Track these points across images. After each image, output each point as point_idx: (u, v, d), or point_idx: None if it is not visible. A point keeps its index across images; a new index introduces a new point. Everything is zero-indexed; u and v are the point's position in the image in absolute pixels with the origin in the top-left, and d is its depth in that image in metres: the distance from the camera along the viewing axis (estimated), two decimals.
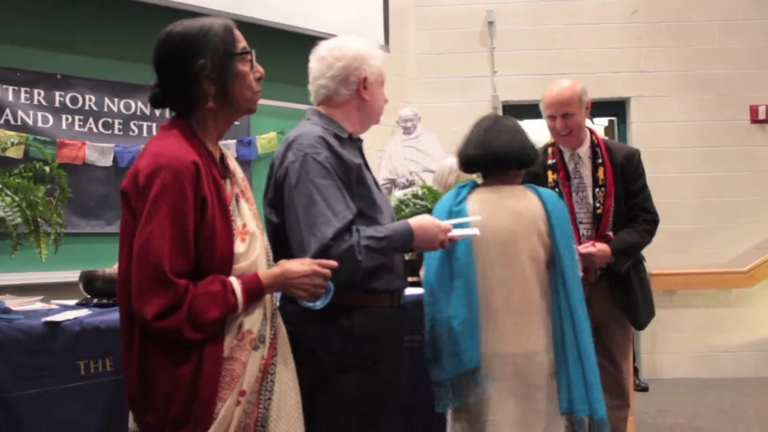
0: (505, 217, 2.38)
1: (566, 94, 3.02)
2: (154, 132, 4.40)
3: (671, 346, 6.00)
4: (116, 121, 4.36)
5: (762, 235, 6.07)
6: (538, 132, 4.30)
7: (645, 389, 5.51)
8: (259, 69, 1.82)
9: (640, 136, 6.19)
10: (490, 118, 2.63)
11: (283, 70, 4.13)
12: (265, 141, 4.90)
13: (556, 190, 3.01)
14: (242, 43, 1.79)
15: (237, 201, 1.76)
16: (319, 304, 1.83)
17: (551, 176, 3.06)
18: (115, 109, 4.36)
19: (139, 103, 4.43)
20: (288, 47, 4.66)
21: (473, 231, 2.22)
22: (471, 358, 2.35)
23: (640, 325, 3.16)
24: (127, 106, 4.40)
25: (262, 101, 1.90)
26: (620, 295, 3.06)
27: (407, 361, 2.36)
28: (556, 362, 2.40)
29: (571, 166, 3.08)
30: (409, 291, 2.43)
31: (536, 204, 2.44)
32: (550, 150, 3.12)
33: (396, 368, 2.20)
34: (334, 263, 1.81)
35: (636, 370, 5.49)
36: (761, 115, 6.10)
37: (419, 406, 2.67)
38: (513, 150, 2.49)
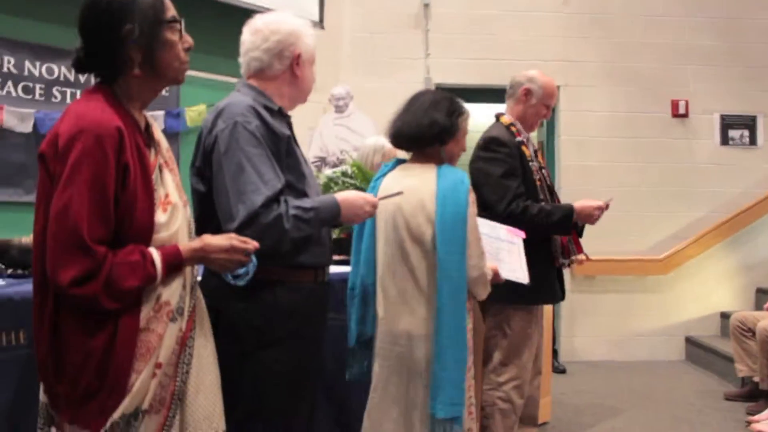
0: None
1: None
2: None
3: (589, 329, 6.21)
4: (37, 86, 4.19)
5: (678, 225, 6.33)
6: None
7: (563, 371, 5.68)
8: (188, 39, 1.78)
9: (566, 124, 6.34)
10: (417, 94, 2.61)
11: (215, 41, 4.05)
12: (195, 113, 4.81)
13: (536, 162, 3.20)
14: (172, 11, 1.75)
15: (161, 171, 1.73)
16: (242, 282, 1.81)
17: (527, 150, 3.19)
18: (36, 73, 4.19)
19: (63, 68, 4.28)
20: (220, 19, 4.56)
21: (396, 191, 2.27)
22: (354, 332, 2.45)
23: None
24: (50, 71, 4.24)
25: (191, 73, 1.88)
26: (559, 272, 3.30)
27: (329, 340, 2.37)
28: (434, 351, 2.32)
29: (530, 146, 3.28)
30: (335, 269, 2.45)
31: (430, 183, 2.36)
32: (514, 129, 3.24)
33: (318, 344, 2.21)
34: (254, 243, 1.79)
35: (555, 353, 5.66)
36: (681, 110, 6.34)
37: (339, 384, 2.70)
38: (422, 126, 2.44)
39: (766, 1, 6.50)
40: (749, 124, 6.39)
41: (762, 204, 6.31)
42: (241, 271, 1.80)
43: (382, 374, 2.41)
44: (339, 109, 5.45)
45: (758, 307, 5.96)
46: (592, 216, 3.09)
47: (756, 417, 4.24)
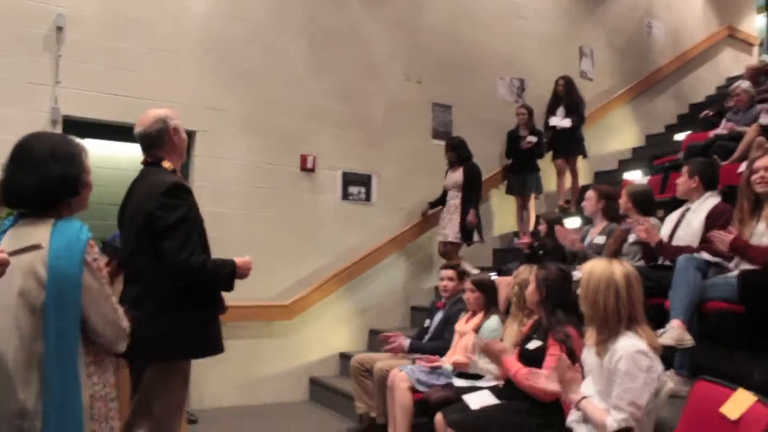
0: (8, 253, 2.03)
1: None
2: None
3: (218, 376, 6.12)
4: None
5: (302, 273, 6.69)
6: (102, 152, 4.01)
7: (195, 421, 5.52)
8: None
9: (201, 170, 6.30)
10: (25, 143, 2.26)
11: None
12: None
13: None
14: None
15: None
16: None
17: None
18: None
19: None
20: None
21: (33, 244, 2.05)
22: None
23: None
24: None
25: None
26: None
27: None
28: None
29: None
30: None
31: (43, 243, 2.12)
32: (179, 175, 3.13)
33: None
34: None
35: None
36: (309, 165, 6.79)
37: None
38: (50, 183, 2.19)
39: (384, 80, 7.41)
40: (365, 182, 7.12)
41: (374, 254, 7.04)
42: None
43: None
44: None
45: (371, 345, 6.58)
46: (249, 271, 3.13)
47: None
